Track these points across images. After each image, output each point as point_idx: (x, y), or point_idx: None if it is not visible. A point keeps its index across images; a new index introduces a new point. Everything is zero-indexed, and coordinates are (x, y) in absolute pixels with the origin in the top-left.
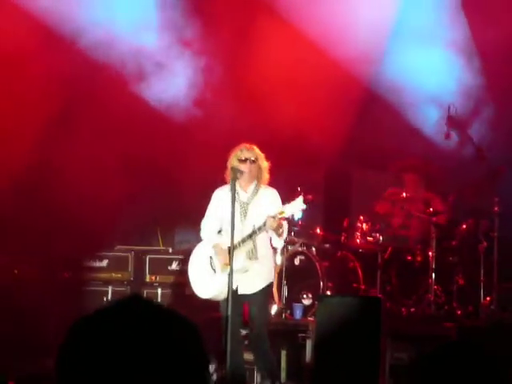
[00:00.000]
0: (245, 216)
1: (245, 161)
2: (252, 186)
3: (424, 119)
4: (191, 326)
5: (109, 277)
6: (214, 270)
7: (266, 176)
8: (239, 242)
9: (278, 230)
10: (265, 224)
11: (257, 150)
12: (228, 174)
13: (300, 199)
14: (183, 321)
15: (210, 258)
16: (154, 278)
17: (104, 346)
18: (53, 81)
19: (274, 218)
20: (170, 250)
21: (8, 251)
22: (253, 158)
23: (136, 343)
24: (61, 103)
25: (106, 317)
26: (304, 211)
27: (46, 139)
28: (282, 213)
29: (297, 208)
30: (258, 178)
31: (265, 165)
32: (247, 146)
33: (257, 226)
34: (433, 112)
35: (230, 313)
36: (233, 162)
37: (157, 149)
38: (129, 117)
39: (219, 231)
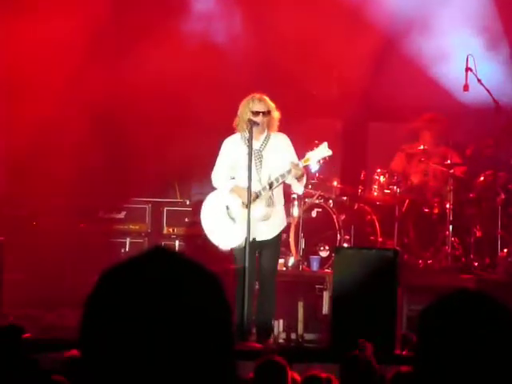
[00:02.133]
0: (260, 163)
1: (257, 113)
2: (263, 135)
3: (443, 71)
4: (215, 276)
5: (126, 228)
6: (233, 220)
7: (276, 125)
8: (259, 191)
9: (301, 177)
10: (289, 172)
11: (268, 100)
12: (237, 123)
13: (324, 145)
14: (208, 272)
15: (227, 207)
16: (171, 229)
17: (132, 298)
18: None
19: (297, 165)
20: (188, 202)
21: (27, 203)
22: (265, 110)
23: (163, 295)
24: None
25: (135, 268)
26: (322, 163)
27: (69, 85)
28: (307, 160)
29: (322, 154)
30: (267, 127)
31: (276, 115)
32: (258, 96)
33: (279, 174)
34: (452, 63)
35: (247, 263)
36: (245, 113)
37: (174, 100)
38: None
39: (232, 179)
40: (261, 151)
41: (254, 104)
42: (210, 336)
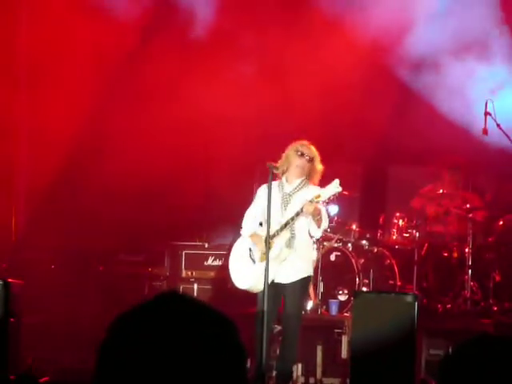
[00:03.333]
0: (285, 207)
1: (302, 155)
2: (298, 181)
3: (463, 115)
4: (228, 321)
5: (145, 272)
6: (254, 261)
7: (317, 179)
8: (277, 230)
9: (315, 215)
10: (302, 209)
11: (314, 150)
12: (280, 164)
13: (336, 182)
14: (220, 317)
15: (250, 249)
16: (190, 273)
17: (144, 343)
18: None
19: (310, 202)
20: (206, 246)
21: (45, 246)
22: (310, 156)
23: (175, 340)
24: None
25: (146, 313)
26: (341, 207)
27: (84, 126)
28: (318, 196)
29: (332, 191)
30: (309, 176)
31: (319, 168)
32: (307, 143)
33: (294, 212)
34: (471, 108)
35: (265, 305)
36: (291, 155)
37: (195, 144)
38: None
39: (260, 223)
40: (291, 195)
41: (303, 148)
42: (222, 381)
